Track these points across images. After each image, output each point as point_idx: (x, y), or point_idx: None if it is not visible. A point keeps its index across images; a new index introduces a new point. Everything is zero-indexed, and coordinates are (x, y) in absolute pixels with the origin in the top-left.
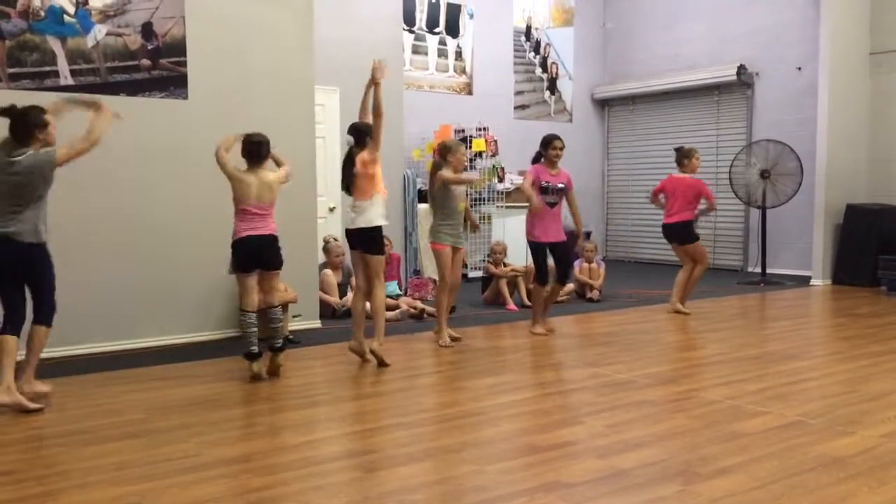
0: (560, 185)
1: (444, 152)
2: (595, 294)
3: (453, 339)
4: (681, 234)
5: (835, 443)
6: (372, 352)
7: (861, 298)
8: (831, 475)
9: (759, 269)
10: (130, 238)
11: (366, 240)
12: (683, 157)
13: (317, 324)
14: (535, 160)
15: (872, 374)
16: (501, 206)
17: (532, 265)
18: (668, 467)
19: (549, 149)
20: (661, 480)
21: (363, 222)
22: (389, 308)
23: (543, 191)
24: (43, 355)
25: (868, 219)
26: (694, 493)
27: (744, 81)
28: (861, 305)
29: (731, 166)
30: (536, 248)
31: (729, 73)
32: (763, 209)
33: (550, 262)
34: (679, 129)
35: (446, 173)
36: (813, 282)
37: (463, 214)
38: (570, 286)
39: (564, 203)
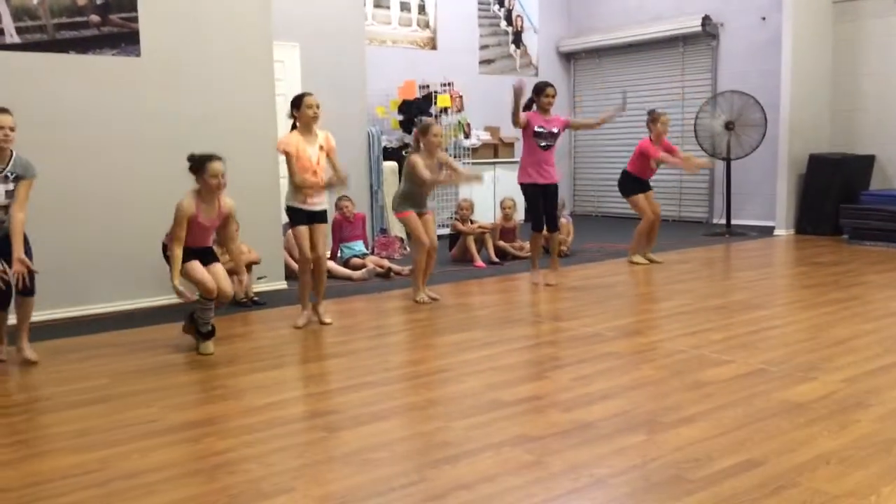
0: (554, 130)
1: (419, 132)
2: (563, 249)
3: (431, 299)
4: (621, 184)
5: (796, 389)
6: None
7: (823, 247)
8: (793, 421)
9: (723, 221)
10: (83, 202)
11: None
12: (649, 121)
13: (282, 285)
14: (527, 107)
15: (833, 321)
16: (468, 163)
17: (499, 221)
18: (632, 418)
19: (541, 96)
20: (625, 431)
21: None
22: (356, 267)
23: (537, 135)
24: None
25: (830, 168)
26: (658, 443)
27: (708, 32)
28: (823, 254)
29: (697, 118)
30: (532, 192)
31: (694, 25)
32: (728, 161)
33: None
34: (644, 81)
35: (420, 167)
36: (777, 232)
37: (429, 189)
38: (563, 236)
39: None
